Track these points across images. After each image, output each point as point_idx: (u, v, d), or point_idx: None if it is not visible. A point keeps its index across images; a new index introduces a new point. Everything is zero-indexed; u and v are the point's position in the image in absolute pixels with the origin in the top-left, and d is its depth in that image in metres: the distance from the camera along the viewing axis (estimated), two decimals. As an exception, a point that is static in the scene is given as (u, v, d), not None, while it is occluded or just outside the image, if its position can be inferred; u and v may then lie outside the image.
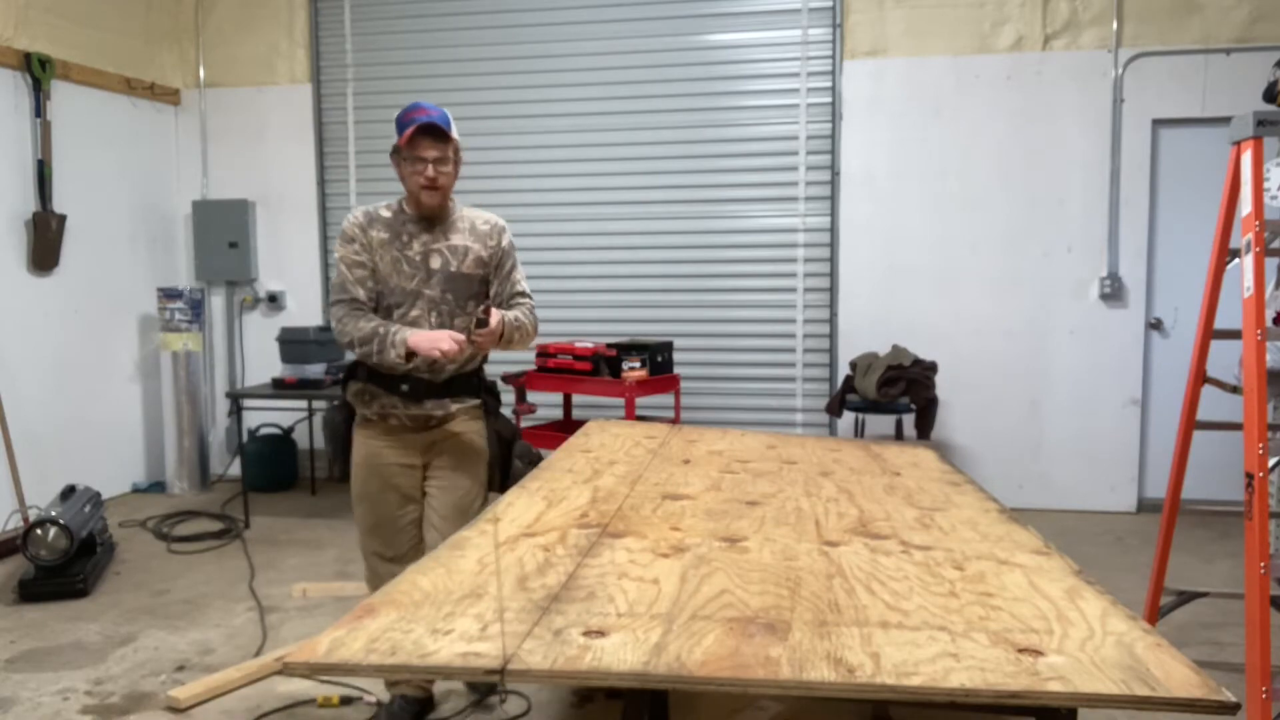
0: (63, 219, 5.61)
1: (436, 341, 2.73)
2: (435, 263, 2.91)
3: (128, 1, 6.20)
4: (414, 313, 2.88)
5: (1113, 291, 5.70)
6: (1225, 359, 3.66)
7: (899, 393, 5.36)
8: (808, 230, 6.04)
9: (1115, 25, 5.58)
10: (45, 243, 5.53)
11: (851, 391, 5.50)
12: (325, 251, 6.65)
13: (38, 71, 5.40)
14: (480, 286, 3.00)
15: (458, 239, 2.95)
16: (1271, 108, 3.18)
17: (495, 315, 2.77)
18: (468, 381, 3.02)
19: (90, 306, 5.98)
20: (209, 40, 6.58)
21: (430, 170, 2.80)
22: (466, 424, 3.03)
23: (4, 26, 5.30)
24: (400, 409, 2.93)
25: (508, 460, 3.19)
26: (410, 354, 2.78)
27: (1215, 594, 3.65)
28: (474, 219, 3.01)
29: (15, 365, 5.35)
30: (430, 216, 2.92)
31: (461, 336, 2.74)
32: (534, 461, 3.04)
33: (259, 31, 6.55)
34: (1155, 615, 3.53)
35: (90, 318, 5.99)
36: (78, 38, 5.78)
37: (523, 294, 3.08)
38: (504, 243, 3.03)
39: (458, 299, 2.93)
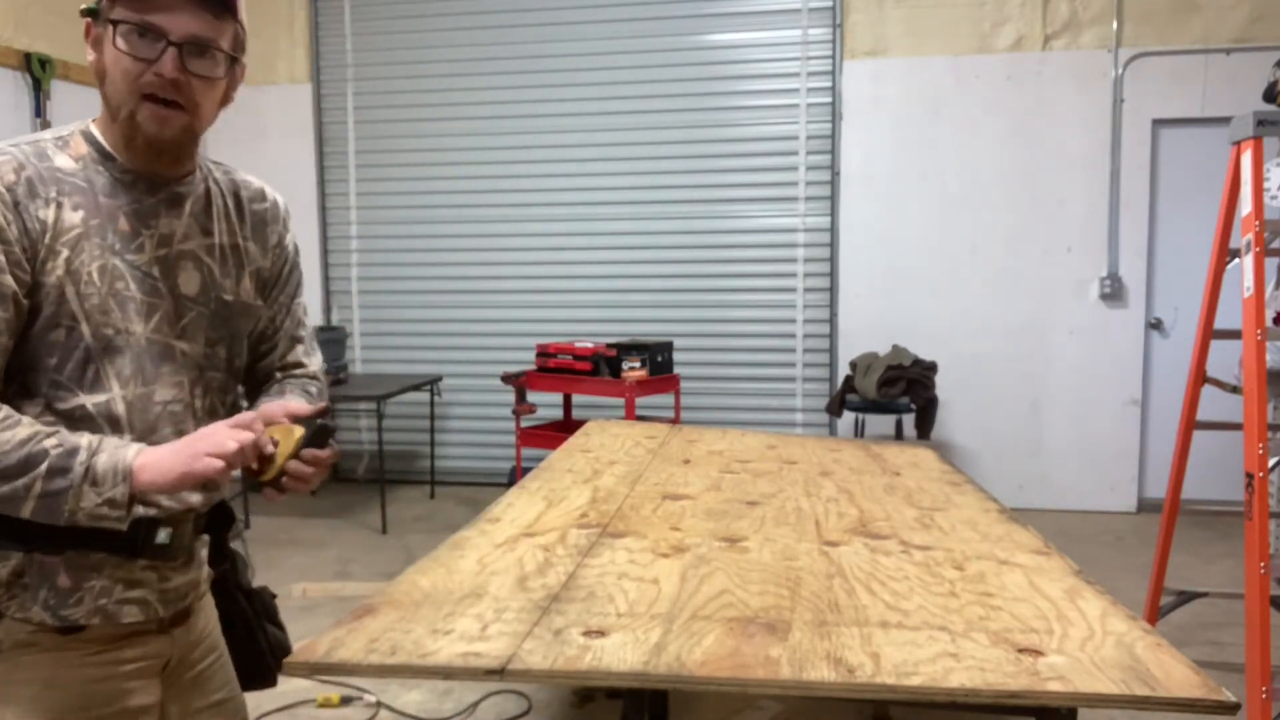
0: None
1: (200, 447, 1.26)
2: (190, 280, 1.42)
3: (128, 1, 6.21)
4: (159, 394, 1.38)
5: (1113, 291, 5.70)
6: (1225, 359, 3.66)
7: (899, 393, 5.36)
8: (808, 230, 6.04)
9: (1115, 25, 5.58)
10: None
11: (851, 391, 5.50)
12: (325, 252, 6.65)
13: (38, 71, 5.40)
14: (252, 330, 1.57)
15: (220, 228, 1.48)
16: (1271, 108, 3.18)
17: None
18: (220, 517, 1.56)
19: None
20: (209, 40, 6.58)
21: (171, 64, 1.28)
22: (209, 607, 1.60)
23: (4, 26, 5.30)
24: (144, 591, 1.40)
25: (257, 636, 1.69)
26: (135, 498, 1.26)
27: (1215, 594, 3.65)
28: (234, 186, 1.53)
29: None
30: (159, 174, 1.39)
31: (250, 433, 1.29)
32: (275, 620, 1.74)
33: (259, 31, 6.54)
34: (1155, 615, 3.53)
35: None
36: (78, 38, 5.77)
37: (304, 365, 1.64)
38: (289, 243, 1.61)
39: (230, 367, 1.51)
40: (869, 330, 5.91)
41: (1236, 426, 3.02)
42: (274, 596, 1.69)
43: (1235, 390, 3.17)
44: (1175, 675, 1.23)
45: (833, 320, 6.03)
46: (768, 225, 6.07)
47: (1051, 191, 5.75)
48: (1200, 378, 3.41)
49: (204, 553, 1.54)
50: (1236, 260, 3.11)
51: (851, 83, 5.89)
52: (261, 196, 1.58)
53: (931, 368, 5.50)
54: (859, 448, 3.28)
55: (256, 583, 1.76)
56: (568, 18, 6.19)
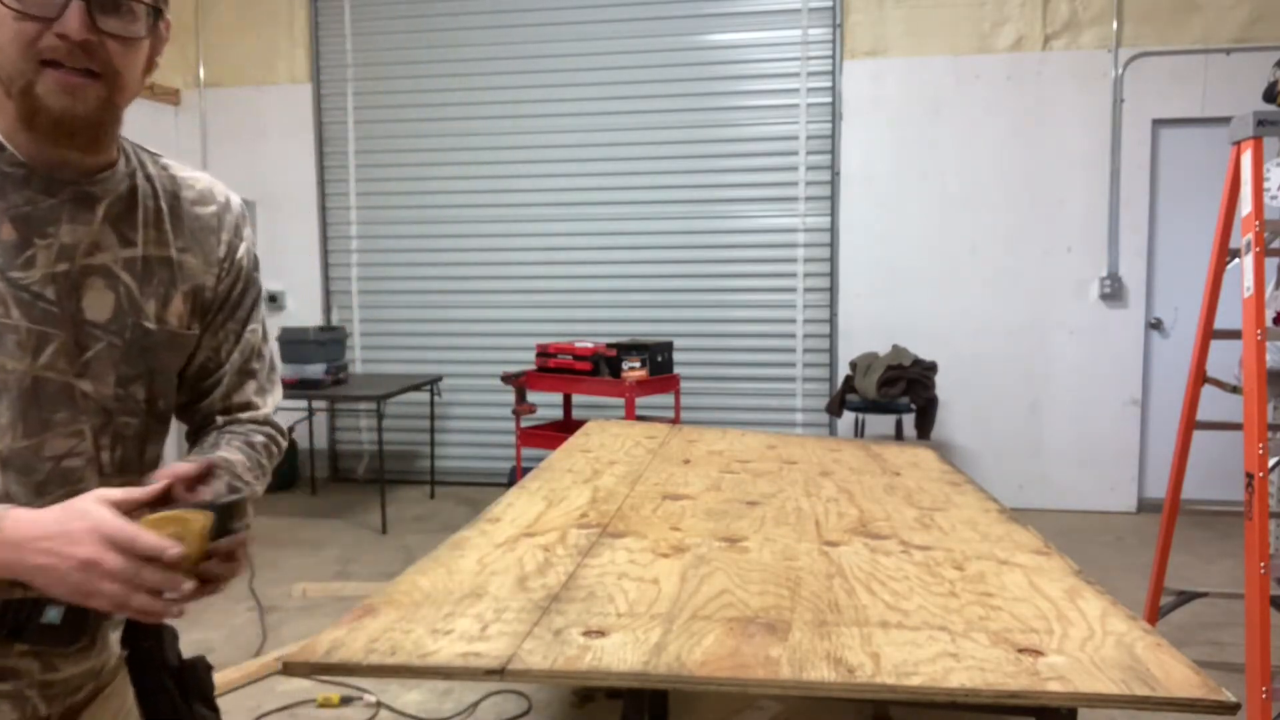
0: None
1: (76, 542, 0.93)
2: (99, 303, 1.12)
3: (128, 1, 6.20)
4: (50, 446, 1.09)
5: (1113, 291, 5.70)
6: (1225, 359, 3.66)
7: (899, 393, 5.36)
8: (808, 230, 6.04)
9: (1115, 25, 5.58)
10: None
11: (851, 391, 5.50)
12: (325, 252, 6.65)
13: (37, 71, 5.40)
14: (181, 363, 1.26)
15: (146, 236, 1.17)
16: (1271, 108, 3.18)
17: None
18: None
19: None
20: (209, 40, 6.58)
21: (78, 21, 0.99)
22: (120, 694, 1.25)
23: (4, 26, 5.30)
24: (18, 683, 1.09)
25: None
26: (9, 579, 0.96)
27: (1215, 594, 3.65)
28: (173, 185, 1.22)
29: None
30: (64, 166, 1.09)
31: (126, 560, 0.94)
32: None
33: (259, 31, 6.54)
34: (1155, 615, 3.53)
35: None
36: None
37: (254, 406, 1.32)
38: (243, 254, 1.29)
39: (152, 410, 1.20)
40: (869, 330, 5.91)
41: (1236, 426, 3.02)
42: (209, 669, 1.31)
43: (1235, 390, 3.17)
44: (1175, 675, 1.23)
45: (833, 320, 6.03)
46: (768, 225, 6.07)
47: (1051, 191, 5.75)
48: (1200, 378, 3.41)
49: (116, 633, 1.20)
50: (1236, 260, 3.11)
51: (851, 83, 5.89)
52: (207, 198, 1.25)
53: (931, 368, 5.50)
54: (859, 448, 3.28)
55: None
56: (568, 18, 6.18)
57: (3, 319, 1.05)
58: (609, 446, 3.14)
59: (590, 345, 5.39)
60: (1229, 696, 1.18)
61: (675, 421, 5.06)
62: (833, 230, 6.00)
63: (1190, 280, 5.58)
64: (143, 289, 1.16)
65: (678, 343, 5.81)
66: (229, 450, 1.22)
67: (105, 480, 1.12)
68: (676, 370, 5.57)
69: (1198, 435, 3.44)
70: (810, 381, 6.11)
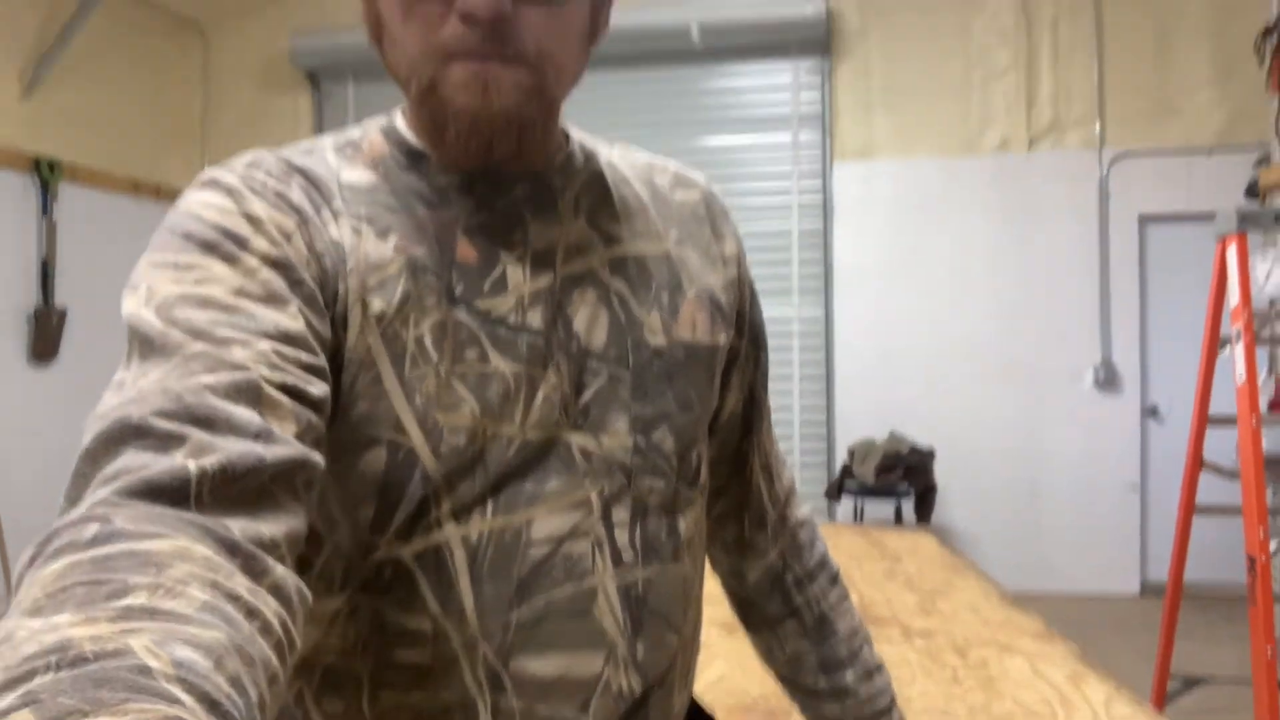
0: (63, 313, 5.68)
1: None
2: (590, 323, 0.79)
3: (138, 106, 6.39)
4: (539, 527, 0.75)
5: (1107, 379, 5.74)
6: (1223, 444, 3.68)
7: (897, 479, 5.35)
8: (802, 321, 6.11)
9: (1098, 127, 5.74)
10: (45, 336, 5.60)
11: (850, 477, 5.50)
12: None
13: (46, 174, 5.53)
14: (714, 397, 0.89)
15: (632, 229, 0.85)
16: (1254, 203, 3.27)
17: None
18: None
19: (88, 396, 6.01)
20: (215, 142, 6.76)
21: None
22: None
23: (15, 131, 5.45)
24: None
25: None
26: None
27: (1222, 679, 3.60)
28: (645, 172, 0.94)
29: (12, 455, 5.35)
30: (498, 171, 0.79)
31: None
32: None
33: (264, 133, 6.72)
34: (1162, 701, 3.47)
35: (87, 407, 6.01)
36: (87, 141, 5.93)
37: (789, 512, 1.01)
38: (743, 258, 0.96)
39: (683, 468, 0.83)
40: (866, 417, 5.93)
41: (1236, 511, 3.02)
42: None
43: (1233, 476, 3.18)
44: (1181, 757, 1.22)
45: (829, 408, 6.05)
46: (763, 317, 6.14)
47: (1042, 283, 5.83)
48: (1198, 463, 3.42)
49: None
50: (1228, 349, 3.16)
51: (842, 183, 6.03)
52: (685, 181, 0.95)
53: (930, 454, 5.50)
54: (858, 533, 3.27)
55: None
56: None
57: (480, 366, 0.75)
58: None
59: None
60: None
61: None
62: (827, 321, 6.06)
63: (1183, 368, 5.63)
64: (639, 296, 0.83)
65: (675, 434, 5.81)
66: (845, 621, 0.94)
67: (624, 573, 0.79)
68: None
69: (1198, 519, 3.44)
70: (808, 468, 6.10)
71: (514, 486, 0.74)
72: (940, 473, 5.55)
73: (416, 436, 0.72)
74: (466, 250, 0.76)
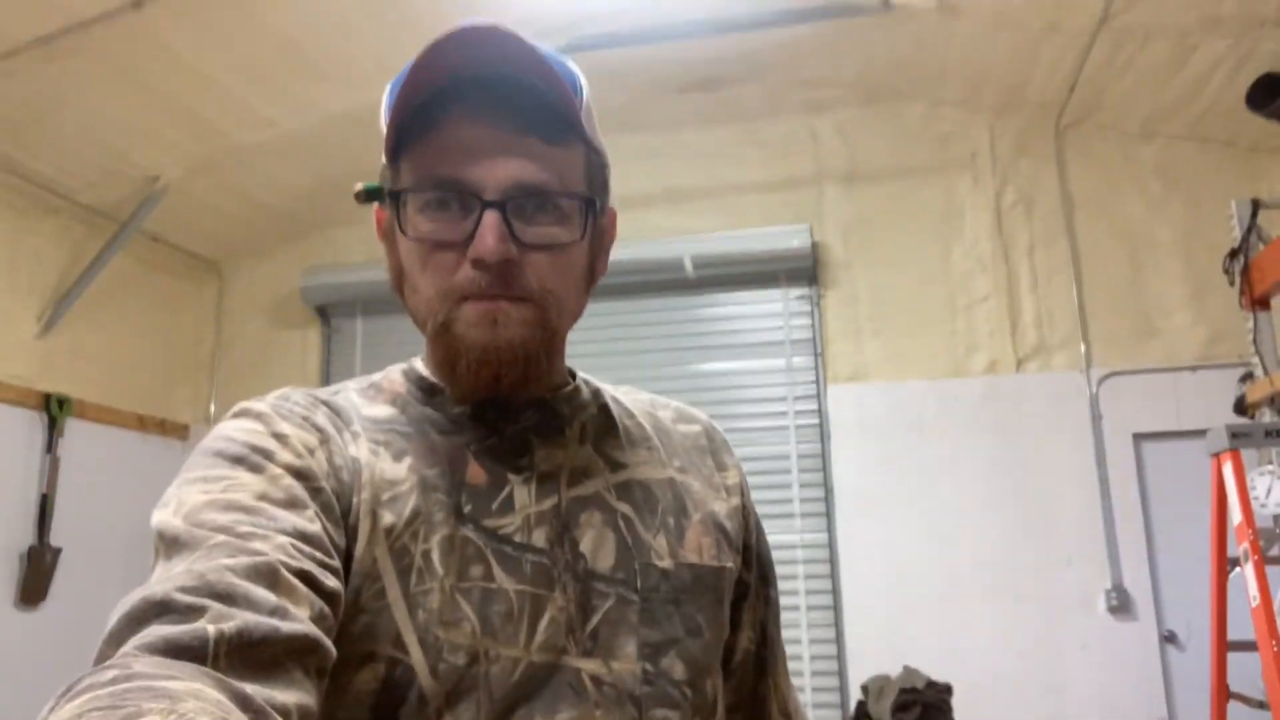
0: (58, 552, 5.60)
1: None
2: (596, 545, 0.82)
3: (150, 343, 6.58)
4: None
5: (1120, 604, 5.60)
6: (1245, 668, 3.55)
7: (914, 718, 5.10)
8: (806, 547, 6.03)
9: (1083, 349, 5.90)
10: (37, 577, 5.49)
11: (865, 717, 5.24)
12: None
13: (55, 411, 5.62)
14: (725, 624, 0.90)
15: (636, 456, 0.91)
16: (1244, 419, 3.32)
17: None
18: None
19: (74, 643, 5.82)
20: (223, 379, 6.90)
21: (493, 235, 0.77)
22: None
23: (29, 370, 5.58)
24: None
25: None
26: None
27: None
28: (648, 405, 1.01)
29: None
30: (507, 401, 0.88)
31: None
32: None
33: (272, 370, 6.88)
34: None
35: (73, 654, 5.81)
36: (97, 378, 6.06)
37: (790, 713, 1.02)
38: (746, 488, 1.01)
39: (696, 697, 0.81)
40: (879, 649, 5.72)
41: (1272, 746, 2.87)
42: None
43: (1262, 705, 3.05)
44: None
45: (839, 640, 5.86)
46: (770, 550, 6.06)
47: (1042, 505, 5.80)
48: (1224, 694, 3.29)
49: None
50: (1238, 569, 3.11)
51: (836, 405, 6.13)
52: (687, 417, 1.01)
53: (947, 690, 5.27)
54: (877, 780, 3.09)
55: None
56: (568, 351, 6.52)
57: (484, 583, 0.75)
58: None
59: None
60: None
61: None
62: (831, 546, 5.98)
63: (1198, 589, 5.49)
64: (645, 520, 0.85)
65: (679, 668, 5.59)
66: None
67: None
68: (679, 698, 5.32)
69: (1233, 755, 3.27)
70: (821, 708, 5.83)
71: (522, 712, 0.73)
72: (957, 707, 5.30)
73: (415, 653, 0.72)
74: (476, 471, 0.81)
